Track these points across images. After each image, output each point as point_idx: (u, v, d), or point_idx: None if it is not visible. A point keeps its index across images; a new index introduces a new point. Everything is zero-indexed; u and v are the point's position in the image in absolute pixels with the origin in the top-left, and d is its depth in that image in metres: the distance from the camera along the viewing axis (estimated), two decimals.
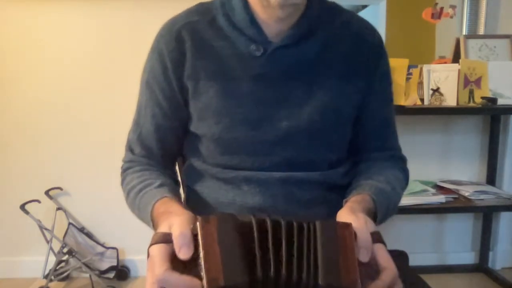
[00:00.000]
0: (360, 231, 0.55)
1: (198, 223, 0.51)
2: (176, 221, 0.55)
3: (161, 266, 0.51)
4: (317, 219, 0.53)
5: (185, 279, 0.50)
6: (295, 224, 0.53)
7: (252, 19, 0.73)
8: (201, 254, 0.49)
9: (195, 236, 0.52)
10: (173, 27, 0.77)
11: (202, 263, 0.48)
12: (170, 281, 0.50)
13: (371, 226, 0.58)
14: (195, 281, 0.49)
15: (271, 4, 0.69)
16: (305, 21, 0.75)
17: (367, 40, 0.80)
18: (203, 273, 0.48)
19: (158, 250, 0.53)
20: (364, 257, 0.54)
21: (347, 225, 0.54)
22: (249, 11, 0.73)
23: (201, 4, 0.80)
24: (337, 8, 0.81)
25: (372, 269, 0.55)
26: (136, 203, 0.75)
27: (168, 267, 0.51)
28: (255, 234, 0.51)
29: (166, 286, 0.50)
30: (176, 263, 0.52)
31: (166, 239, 0.54)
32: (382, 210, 0.72)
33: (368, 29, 0.81)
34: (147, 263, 0.55)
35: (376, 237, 0.57)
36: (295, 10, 0.73)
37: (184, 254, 0.51)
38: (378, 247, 0.56)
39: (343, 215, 0.61)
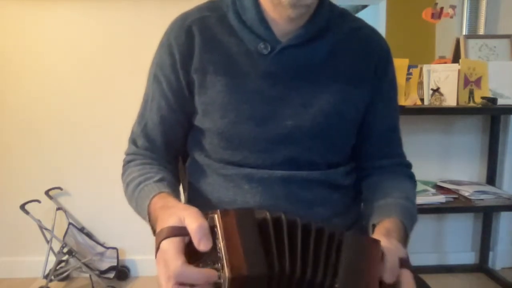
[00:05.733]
0: (389, 252, 0.56)
1: (216, 216, 0.51)
2: (188, 214, 0.54)
3: (176, 260, 0.50)
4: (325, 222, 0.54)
5: (203, 271, 0.50)
6: (313, 226, 0.53)
7: (262, 18, 0.74)
8: (222, 244, 0.49)
9: (211, 229, 0.51)
10: (184, 21, 0.78)
11: (223, 253, 0.48)
12: (187, 275, 0.50)
13: (401, 251, 0.59)
14: (213, 272, 0.49)
15: (282, 3, 0.70)
16: (314, 23, 0.76)
17: (375, 47, 0.81)
18: (220, 264, 0.48)
19: (171, 244, 0.52)
20: (389, 278, 0.54)
21: (376, 241, 0.55)
22: (259, 10, 0.75)
23: (211, 2, 0.81)
24: (347, 14, 0.83)
25: None
26: (134, 196, 0.75)
27: (183, 260, 0.50)
28: (271, 231, 0.51)
29: (183, 280, 0.50)
30: (188, 257, 0.51)
31: (179, 232, 0.53)
32: (410, 230, 0.73)
33: (377, 37, 0.83)
34: (156, 258, 0.54)
35: (405, 263, 0.57)
36: (306, 11, 0.74)
37: (204, 245, 0.51)
38: (405, 272, 0.57)
39: (377, 237, 0.61)
